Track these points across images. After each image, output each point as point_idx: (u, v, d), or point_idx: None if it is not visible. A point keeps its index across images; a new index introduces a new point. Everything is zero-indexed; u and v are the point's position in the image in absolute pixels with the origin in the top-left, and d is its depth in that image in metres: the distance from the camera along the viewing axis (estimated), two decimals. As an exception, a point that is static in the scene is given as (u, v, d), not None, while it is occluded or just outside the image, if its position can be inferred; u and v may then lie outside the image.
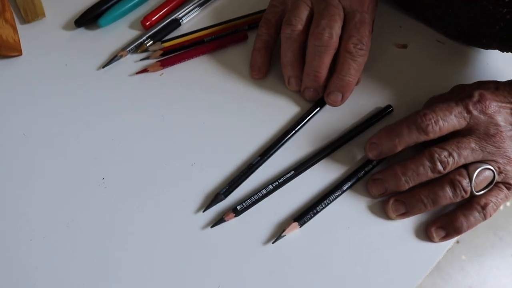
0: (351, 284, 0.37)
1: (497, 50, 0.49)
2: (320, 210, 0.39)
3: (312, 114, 0.44)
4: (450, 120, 0.39)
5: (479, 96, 0.39)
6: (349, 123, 0.45)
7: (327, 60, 0.42)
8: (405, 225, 0.40)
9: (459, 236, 0.40)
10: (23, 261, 0.37)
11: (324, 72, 0.43)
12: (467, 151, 0.38)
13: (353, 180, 0.41)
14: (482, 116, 0.39)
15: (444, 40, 0.51)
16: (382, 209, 0.41)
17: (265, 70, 0.46)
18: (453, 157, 0.38)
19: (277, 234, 0.38)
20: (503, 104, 0.40)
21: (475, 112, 0.39)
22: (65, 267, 0.37)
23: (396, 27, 0.52)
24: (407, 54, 0.50)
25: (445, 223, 0.39)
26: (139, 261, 0.37)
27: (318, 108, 0.44)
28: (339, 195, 0.40)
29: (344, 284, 0.37)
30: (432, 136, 0.38)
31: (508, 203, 1.32)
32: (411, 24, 0.52)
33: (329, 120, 0.45)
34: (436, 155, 0.38)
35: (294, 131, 0.43)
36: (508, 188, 0.40)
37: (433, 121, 0.38)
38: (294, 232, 0.39)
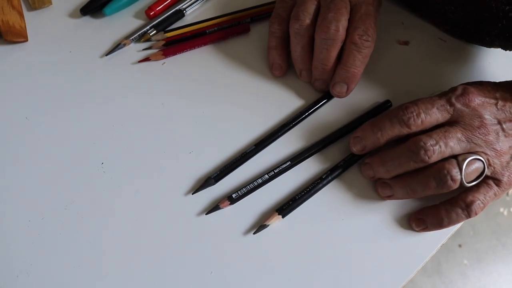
0: (343, 277, 0.38)
1: (499, 49, 0.49)
2: (302, 202, 0.39)
3: (312, 108, 0.44)
4: (433, 113, 0.39)
5: (462, 90, 0.39)
6: (347, 118, 0.45)
7: (334, 52, 0.43)
8: (398, 218, 0.41)
9: (441, 229, 0.40)
10: (21, 241, 0.37)
11: (331, 64, 0.43)
12: (454, 141, 0.38)
13: (336, 174, 0.41)
14: (465, 109, 0.39)
15: (446, 38, 0.51)
16: (373, 202, 0.41)
17: (286, 67, 0.46)
18: (440, 146, 0.37)
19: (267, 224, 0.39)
20: (487, 99, 0.39)
21: (458, 105, 0.39)
22: (62, 249, 0.37)
23: (399, 24, 0.52)
24: (409, 51, 0.50)
25: (426, 215, 0.40)
26: (135, 244, 0.38)
27: (320, 103, 0.45)
28: (320, 187, 0.40)
29: (338, 277, 0.38)
30: (414, 129, 0.38)
31: (512, 209, 1.31)
32: (414, 21, 0.52)
33: (328, 114, 0.45)
34: (421, 143, 0.37)
35: (292, 124, 0.43)
36: (497, 185, 0.39)
37: (415, 114, 0.38)
38: (287, 223, 0.39)
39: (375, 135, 0.39)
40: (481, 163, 0.38)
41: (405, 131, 0.39)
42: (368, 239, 0.39)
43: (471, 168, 0.38)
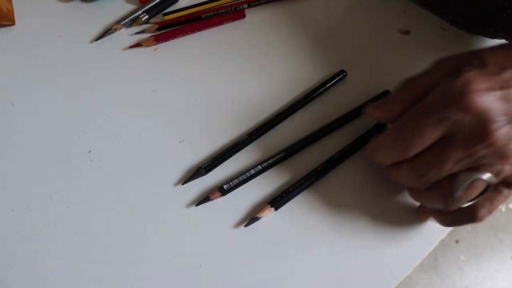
0: (338, 272, 0.36)
1: (503, 40, 0.48)
2: (296, 194, 0.38)
3: (309, 97, 0.43)
4: (424, 137, 0.32)
5: (460, 87, 0.31)
6: (344, 108, 0.43)
7: None
8: (396, 213, 0.39)
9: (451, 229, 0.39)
10: (3, 231, 0.36)
11: None
12: (450, 164, 0.32)
13: (331, 165, 0.39)
14: (465, 118, 0.31)
15: (448, 28, 0.50)
16: (370, 196, 0.39)
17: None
18: (434, 173, 0.33)
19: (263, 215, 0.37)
20: (492, 93, 0.31)
21: (454, 116, 0.31)
22: (46, 239, 0.36)
23: (400, 13, 0.50)
24: (410, 41, 0.48)
25: (434, 212, 0.38)
26: (122, 236, 0.36)
27: (316, 92, 0.43)
28: (316, 180, 0.39)
29: (333, 273, 0.36)
30: (410, 155, 0.34)
31: (510, 205, 1.30)
32: (416, 10, 0.50)
33: (324, 105, 0.43)
34: (416, 172, 0.33)
35: (288, 114, 0.42)
36: (509, 187, 0.34)
37: (408, 142, 0.33)
38: (280, 215, 0.38)
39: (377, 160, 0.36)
40: (484, 182, 0.33)
41: (401, 158, 0.34)
42: (365, 234, 0.38)
43: (472, 188, 0.33)
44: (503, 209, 1.30)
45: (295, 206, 0.38)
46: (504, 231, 1.28)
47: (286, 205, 0.38)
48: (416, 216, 0.39)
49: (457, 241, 1.25)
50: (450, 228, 0.39)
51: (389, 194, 0.40)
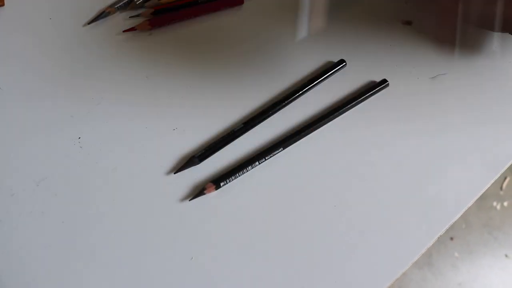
0: (334, 269, 0.35)
1: (508, 34, 0.46)
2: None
3: (306, 87, 0.41)
4: None
5: None
6: (341, 97, 0.42)
7: None
8: (392, 208, 0.38)
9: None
10: (-12, 218, 0.35)
11: None
12: None
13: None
14: None
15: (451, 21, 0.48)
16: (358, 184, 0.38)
17: None
18: None
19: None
20: None
21: None
22: (32, 228, 0.35)
23: (402, 3, 0.49)
24: (411, 31, 0.47)
25: None
26: (111, 225, 0.35)
27: (315, 81, 0.42)
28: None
29: (328, 270, 0.35)
30: None
31: (505, 203, 1.30)
32: (418, 1, 0.49)
33: (321, 93, 0.42)
34: None
35: (285, 102, 0.40)
36: None
37: None
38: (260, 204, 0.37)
39: None
40: None
41: None
42: (360, 228, 0.37)
43: None
44: (498, 207, 1.30)
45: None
46: (498, 229, 1.27)
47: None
48: (413, 212, 0.38)
49: (451, 238, 1.25)
50: (449, 223, 0.38)
51: (387, 186, 0.39)
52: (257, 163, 0.37)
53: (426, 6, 0.49)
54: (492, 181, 0.41)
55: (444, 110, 0.43)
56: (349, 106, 0.41)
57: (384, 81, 0.42)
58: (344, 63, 0.43)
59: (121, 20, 0.45)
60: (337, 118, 0.41)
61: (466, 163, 0.41)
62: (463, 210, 0.39)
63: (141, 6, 0.45)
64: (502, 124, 0.43)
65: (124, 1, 0.45)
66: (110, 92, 0.40)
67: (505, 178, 1.32)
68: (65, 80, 0.41)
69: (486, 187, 0.40)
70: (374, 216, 0.37)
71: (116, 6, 0.44)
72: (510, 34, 0.46)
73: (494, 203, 1.31)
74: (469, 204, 0.39)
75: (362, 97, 0.41)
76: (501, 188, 1.32)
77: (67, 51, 0.42)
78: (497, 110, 0.44)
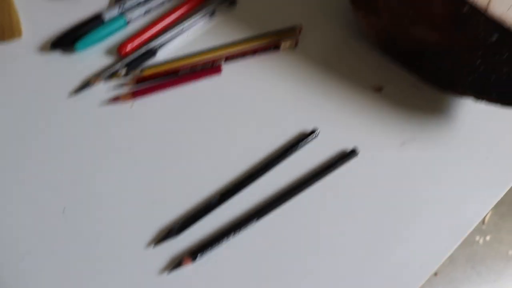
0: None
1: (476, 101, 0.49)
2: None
3: (281, 156, 0.44)
4: None
5: None
6: (316, 166, 0.44)
7: None
8: (357, 277, 0.40)
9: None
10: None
11: None
12: None
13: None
14: None
15: (420, 85, 0.51)
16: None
17: None
18: None
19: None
20: None
21: None
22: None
23: (373, 69, 0.52)
24: (381, 97, 0.50)
25: None
26: (90, 298, 0.37)
27: (289, 151, 0.44)
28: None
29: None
30: None
31: (488, 237, 1.32)
32: (389, 66, 0.52)
33: (296, 163, 0.45)
34: None
35: (260, 173, 0.43)
36: None
37: None
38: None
39: None
40: None
41: None
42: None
43: None
44: (481, 241, 1.32)
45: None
46: (481, 264, 1.29)
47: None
48: (378, 279, 0.40)
49: (435, 274, 1.26)
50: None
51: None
52: (232, 234, 0.39)
53: (396, 70, 0.52)
54: (456, 246, 0.43)
55: (412, 177, 0.45)
56: (320, 177, 0.43)
57: (353, 151, 0.45)
58: (316, 133, 0.46)
59: (104, 90, 0.47)
60: (309, 188, 0.43)
61: (431, 229, 0.43)
62: (428, 275, 0.41)
63: (125, 75, 0.47)
64: (465, 188, 0.45)
65: (109, 72, 0.47)
66: (94, 163, 0.42)
67: (487, 213, 1.34)
68: (49, 150, 0.43)
69: (450, 253, 0.43)
70: (341, 282, 0.39)
71: (101, 76, 0.47)
72: (473, 98, 0.49)
73: (477, 238, 1.33)
74: (434, 270, 0.42)
75: (333, 168, 0.44)
76: (483, 222, 1.34)
77: (52, 120, 0.44)
78: (462, 175, 0.46)
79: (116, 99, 0.46)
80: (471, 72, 0.45)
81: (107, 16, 0.49)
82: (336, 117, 0.47)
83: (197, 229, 0.40)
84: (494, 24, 0.41)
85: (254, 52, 0.50)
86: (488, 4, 0.41)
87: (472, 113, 0.51)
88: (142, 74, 0.47)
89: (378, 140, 0.47)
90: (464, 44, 0.43)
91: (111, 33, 0.49)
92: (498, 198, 0.46)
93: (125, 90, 0.46)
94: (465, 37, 0.43)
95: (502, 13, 0.40)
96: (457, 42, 0.44)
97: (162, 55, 0.49)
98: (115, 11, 0.50)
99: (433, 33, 0.45)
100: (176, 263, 0.38)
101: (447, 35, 0.44)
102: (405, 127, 0.48)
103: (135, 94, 0.46)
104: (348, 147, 0.46)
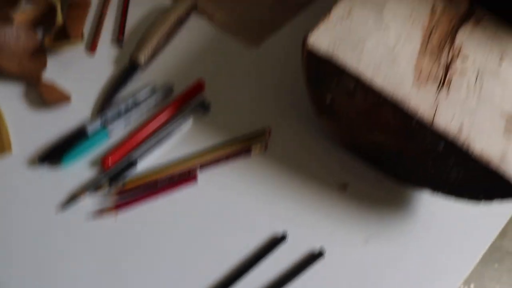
0: None
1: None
2: None
3: (252, 266, 0.47)
4: None
5: None
6: (282, 270, 0.48)
7: None
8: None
9: None
10: None
11: None
12: None
13: None
14: None
15: (382, 179, 0.55)
16: None
17: None
18: None
19: None
20: None
21: None
22: None
23: (339, 167, 0.55)
24: (347, 195, 0.54)
25: None
26: None
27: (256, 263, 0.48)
28: None
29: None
30: None
31: (472, 285, 1.34)
32: (353, 164, 0.56)
33: (265, 269, 0.48)
34: None
35: (234, 280, 0.46)
36: None
37: None
38: None
39: None
40: None
41: None
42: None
43: None
44: (465, 290, 1.34)
45: None
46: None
47: None
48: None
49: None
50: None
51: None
52: None
53: (360, 167, 0.56)
54: None
55: (377, 272, 0.49)
56: (287, 282, 0.47)
57: (320, 253, 0.49)
58: (286, 237, 0.49)
59: (90, 203, 0.50)
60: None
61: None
62: None
63: (108, 186, 0.51)
64: (429, 276, 0.49)
65: (94, 185, 0.51)
66: (81, 277, 0.46)
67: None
68: (33, 267, 0.46)
69: None
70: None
71: (86, 189, 0.50)
72: (430, 191, 0.53)
73: (461, 286, 1.34)
74: None
75: (300, 271, 0.47)
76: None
77: (39, 237, 0.48)
78: (425, 262, 0.50)
79: (100, 211, 0.49)
80: (425, 171, 0.50)
81: (90, 128, 0.54)
82: (304, 218, 0.51)
83: None
84: (439, 136, 0.45)
85: (227, 157, 0.54)
86: (433, 117, 0.45)
87: (431, 205, 0.55)
88: (124, 187, 0.51)
89: (343, 238, 0.51)
90: (417, 149, 0.48)
91: (94, 145, 0.53)
92: (463, 279, 0.50)
93: (108, 202, 0.50)
94: (416, 145, 0.48)
95: (446, 124, 0.45)
96: (411, 148, 0.48)
97: (142, 165, 0.53)
98: (97, 124, 0.54)
99: (389, 139, 0.50)
100: None
101: (401, 142, 0.49)
102: (369, 222, 0.52)
103: (117, 207, 0.49)
104: (316, 246, 0.50)
